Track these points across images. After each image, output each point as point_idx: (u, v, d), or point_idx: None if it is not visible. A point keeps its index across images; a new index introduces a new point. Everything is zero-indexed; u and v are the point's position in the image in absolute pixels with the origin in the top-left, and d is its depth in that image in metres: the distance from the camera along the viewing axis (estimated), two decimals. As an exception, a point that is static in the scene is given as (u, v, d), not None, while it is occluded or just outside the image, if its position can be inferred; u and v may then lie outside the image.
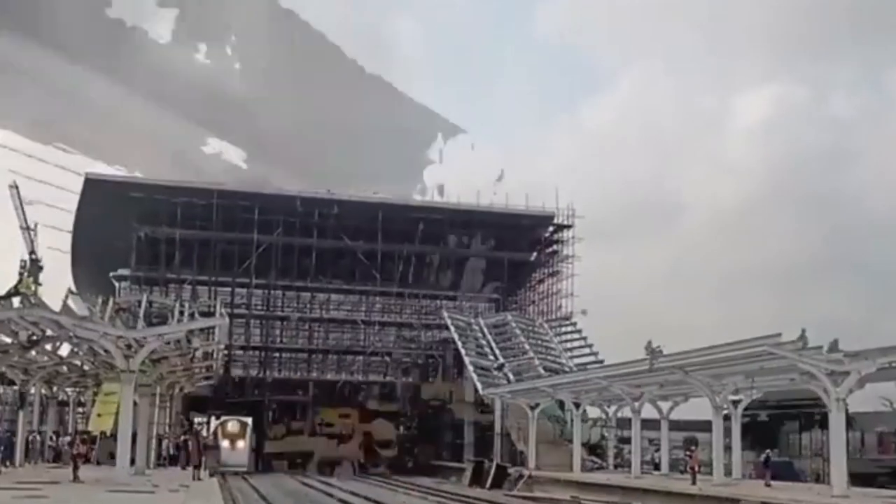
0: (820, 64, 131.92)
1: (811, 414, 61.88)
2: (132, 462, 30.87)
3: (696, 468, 33.66)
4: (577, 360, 56.81)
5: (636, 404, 40.43)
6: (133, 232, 60.53)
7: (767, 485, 32.42)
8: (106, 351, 28.85)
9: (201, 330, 32.38)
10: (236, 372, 62.16)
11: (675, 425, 52.54)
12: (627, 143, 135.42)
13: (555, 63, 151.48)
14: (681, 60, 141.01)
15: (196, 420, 66.50)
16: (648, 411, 44.17)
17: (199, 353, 33.75)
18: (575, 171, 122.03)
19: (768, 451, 37.30)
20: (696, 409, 43.33)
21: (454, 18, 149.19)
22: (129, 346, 28.65)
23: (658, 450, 47.81)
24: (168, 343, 30.77)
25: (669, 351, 34.78)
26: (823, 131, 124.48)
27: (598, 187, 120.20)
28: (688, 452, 38.95)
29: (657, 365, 35.06)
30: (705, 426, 42.74)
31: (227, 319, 37.46)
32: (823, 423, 57.25)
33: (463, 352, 56.98)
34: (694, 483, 33.02)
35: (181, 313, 53.03)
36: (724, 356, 31.56)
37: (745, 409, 39.10)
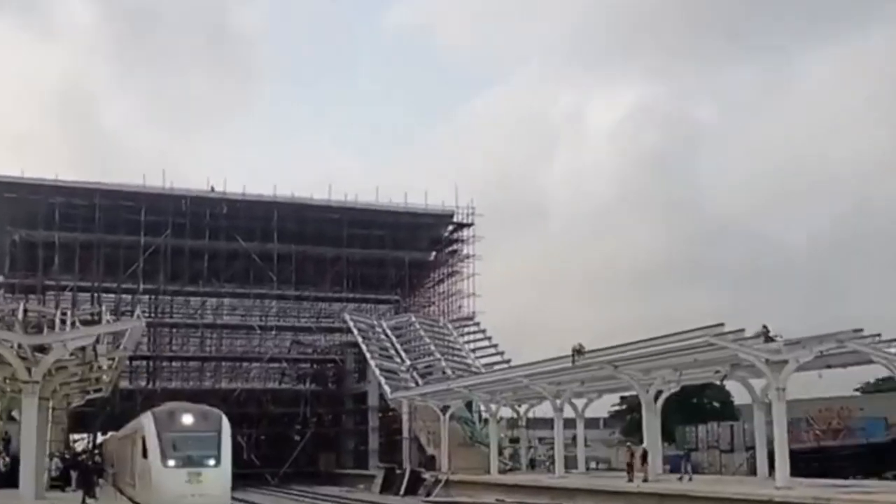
0: (680, 67, 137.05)
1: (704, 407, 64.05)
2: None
3: (642, 464, 32.78)
4: (483, 360, 56.01)
5: (558, 402, 39.62)
6: (6, 235, 56.21)
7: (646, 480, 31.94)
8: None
9: (112, 336, 29.60)
10: (123, 384, 58.29)
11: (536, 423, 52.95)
12: (498, 143, 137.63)
13: (425, 63, 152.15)
14: (548, 62, 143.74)
15: (74, 438, 62.49)
16: (547, 410, 43.78)
17: (102, 362, 30.85)
18: (450, 170, 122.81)
19: (643, 445, 35.51)
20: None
21: (310, 9, 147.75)
22: (23, 357, 25.75)
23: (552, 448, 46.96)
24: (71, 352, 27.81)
25: (548, 350, 34.31)
26: (681, 134, 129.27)
27: (470, 188, 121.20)
28: (628, 448, 37.67)
29: (586, 360, 34.61)
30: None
31: (143, 322, 34.39)
32: (718, 417, 59.16)
33: (368, 355, 55.34)
34: (631, 480, 32.39)
35: (62, 322, 49.25)
36: (658, 349, 31.26)
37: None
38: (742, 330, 27.89)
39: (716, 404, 64.60)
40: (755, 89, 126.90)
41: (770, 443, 32.19)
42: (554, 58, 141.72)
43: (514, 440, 52.38)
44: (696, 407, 61.63)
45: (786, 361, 27.04)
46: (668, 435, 56.68)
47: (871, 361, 29.09)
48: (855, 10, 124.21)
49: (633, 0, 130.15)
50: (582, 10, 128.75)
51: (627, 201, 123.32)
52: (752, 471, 38.58)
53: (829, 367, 30.91)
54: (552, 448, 45.20)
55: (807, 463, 37.26)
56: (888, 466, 37.18)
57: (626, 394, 54.27)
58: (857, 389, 61.43)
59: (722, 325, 27.92)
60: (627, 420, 67.65)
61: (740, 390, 40.81)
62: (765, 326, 27.95)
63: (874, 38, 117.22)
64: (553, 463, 40.87)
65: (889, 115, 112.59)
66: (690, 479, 33.60)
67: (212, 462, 27.35)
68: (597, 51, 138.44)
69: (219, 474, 27.35)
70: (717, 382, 40.87)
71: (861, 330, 27.76)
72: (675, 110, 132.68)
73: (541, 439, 57.06)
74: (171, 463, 26.96)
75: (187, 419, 28.51)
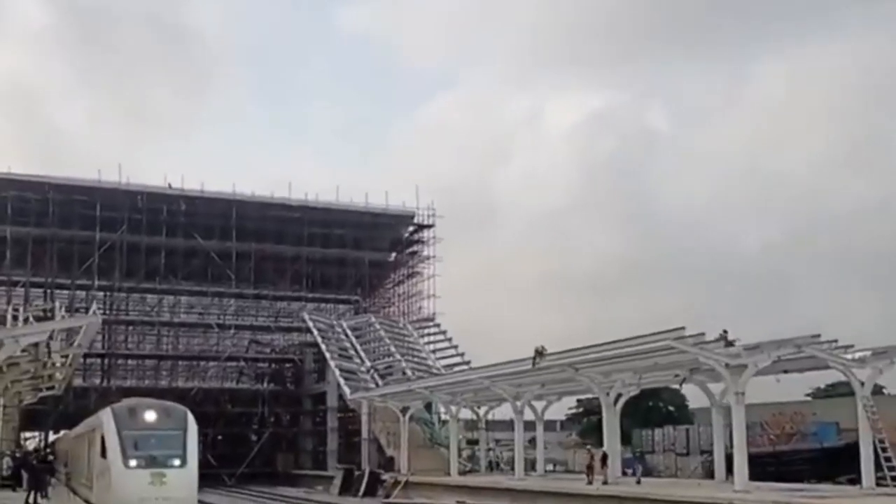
0: (638, 73, 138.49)
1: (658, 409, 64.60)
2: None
3: (602, 467, 32.77)
4: (443, 362, 55.89)
5: (518, 404, 39.59)
6: (-45, 230, 54.76)
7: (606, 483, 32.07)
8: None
9: (65, 332, 28.99)
10: (77, 381, 57.20)
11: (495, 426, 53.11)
12: (458, 145, 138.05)
13: (385, 65, 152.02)
14: (507, 66, 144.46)
15: (25, 436, 61.31)
16: (506, 412, 43.75)
17: (56, 359, 30.18)
18: (410, 171, 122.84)
19: (603, 448, 35.40)
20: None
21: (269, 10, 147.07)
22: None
23: (510, 450, 47.10)
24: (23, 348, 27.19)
25: (507, 353, 34.29)
26: (638, 139, 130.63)
27: (430, 189, 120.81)
28: (588, 451, 37.70)
29: (546, 363, 34.60)
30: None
31: (98, 319, 33.70)
32: (672, 420, 59.74)
33: (327, 355, 54.93)
34: (591, 482, 32.44)
35: (14, 318, 48.17)
36: (619, 352, 31.31)
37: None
38: (702, 334, 27.97)
39: (671, 408, 65.20)
40: (712, 96, 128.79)
41: (727, 446, 32.56)
42: (513, 61, 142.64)
43: (473, 442, 52.44)
44: (651, 410, 62.19)
45: (745, 366, 27.23)
46: (624, 438, 57.34)
47: (827, 367, 29.44)
48: (810, 17, 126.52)
49: (592, 6, 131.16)
50: (541, 15, 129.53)
51: (586, 205, 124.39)
52: (707, 474, 38.96)
53: (786, 371, 31.25)
54: (511, 450, 45.33)
55: (762, 467, 37.61)
56: (841, 471, 37.61)
57: (583, 396, 54.60)
58: (808, 394, 62.32)
59: (683, 328, 28.05)
60: (584, 423, 68.04)
61: (695, 394, 41.28)
62: (724, 331, 28.13)
63: (829, 45, 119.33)
64: (511, 465, 40.88)
65: (843, 120, 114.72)
66: (640, 482, 33.84)
67: (177, 462, 25.27)
68: (556, 55, 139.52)
69: (184, 475, 25.28)
70: (677, 386, 41.19)
71: (818, 336, 28.03)
72: (633, 116, 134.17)
73: (498, 441, 57.17)
74: (133, 463, 24.79)
75: (150, 416, 26.16)
